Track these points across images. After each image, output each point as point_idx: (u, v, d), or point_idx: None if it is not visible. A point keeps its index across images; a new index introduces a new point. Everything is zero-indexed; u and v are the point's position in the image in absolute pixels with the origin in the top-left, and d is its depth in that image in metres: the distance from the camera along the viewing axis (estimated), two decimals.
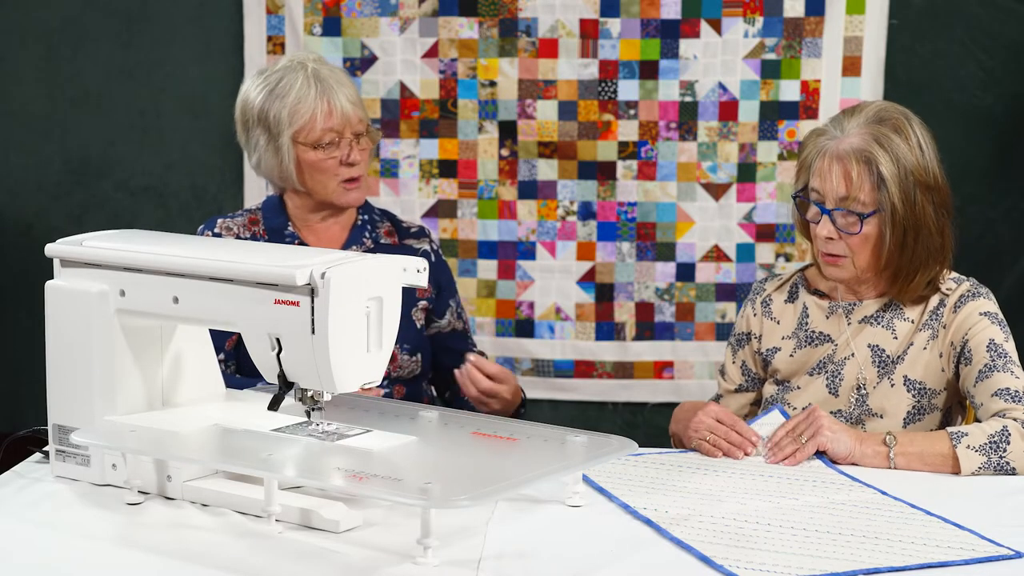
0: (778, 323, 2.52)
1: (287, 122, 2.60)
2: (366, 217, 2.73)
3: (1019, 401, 2.26)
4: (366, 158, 2.65)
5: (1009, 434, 2.20)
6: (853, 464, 2.23)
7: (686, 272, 3.95)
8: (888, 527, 1.90)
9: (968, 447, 2.19)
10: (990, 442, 2.19)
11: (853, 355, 2.43)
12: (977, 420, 2.33)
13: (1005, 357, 2.32)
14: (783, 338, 2.51)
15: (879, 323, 2.43)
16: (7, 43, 4.10)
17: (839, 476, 2.16)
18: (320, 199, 2.65)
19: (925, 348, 2.40)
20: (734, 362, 2.58)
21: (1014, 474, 2.19)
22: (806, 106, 3.84)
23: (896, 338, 2.42)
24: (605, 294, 3.97)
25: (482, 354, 2.79)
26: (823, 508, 1.99)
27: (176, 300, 1.98)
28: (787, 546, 1.81)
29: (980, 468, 2.18)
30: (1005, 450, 2.19)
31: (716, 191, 3.91)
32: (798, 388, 2.47)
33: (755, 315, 2.55)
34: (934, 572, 1.75)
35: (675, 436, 2.49)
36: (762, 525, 1.90)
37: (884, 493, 2.07)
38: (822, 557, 1.77)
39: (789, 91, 3.85)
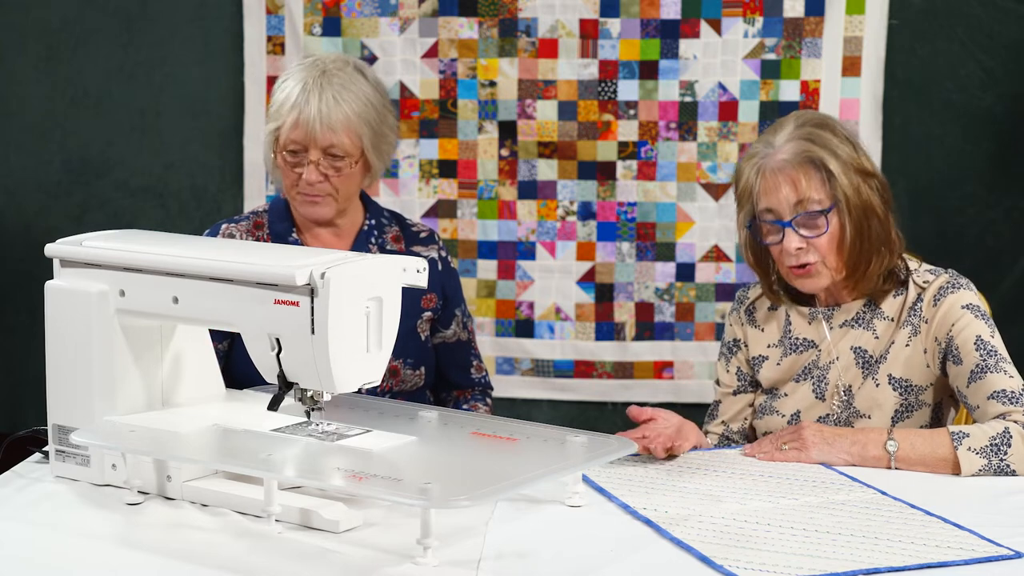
0: (762, 331, 2.52)
1: (272, 117, 2.58)
2: (373, 222, 2.68)
3: (1017, 402, 2.26)
4: (342, 183, 2.54)
5: (1010, 436, 2.20)
6: (853, 466, 2.23)
7: (686, 272, 3.95)
8: (888, 527, 1.90)
9: (969, 449, 2.19)
10: (991, 444, 2.19)
11: (837, 359, 2.43)
12: (974, 421, 2.33)
13: (995, 355, 2.31)
14: (768, 346, 2.51)
15: (859, 325, 2.43)
16: (7, 43, 4.10)
17: (839, 476, 2.16)
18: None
19: (907, 345, 2.39)
20: (728, 370, 2.57)
21: (1014, 476, 2.19)
22: (806, 106, 3.84)
23: (877, 337, 2.41)
24: (605, 294, 3.97)
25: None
26: (823, 508, 1.99)
27: (176, 300, 1.98)
28: (787, 546, 1.81)
29: (981, 470, 2.18)
30: (1006, 453, 2.19)
31: (716, 191, 3.91)
32: (785, 395, 2.47)
33: (741, 324, 2.56)
34: (934, 572, 1.75)
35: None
36: (762, 525, 1.90)
37: (884, 493, 2.07)
38: (822, 557, 1.77)
39: (789, 91, 3.85)
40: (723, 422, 2.56)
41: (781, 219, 2.34)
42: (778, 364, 2.49)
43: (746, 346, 2.55)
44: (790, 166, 2.33)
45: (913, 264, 2.44)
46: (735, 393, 2.57)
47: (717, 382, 2.61)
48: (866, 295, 2.42)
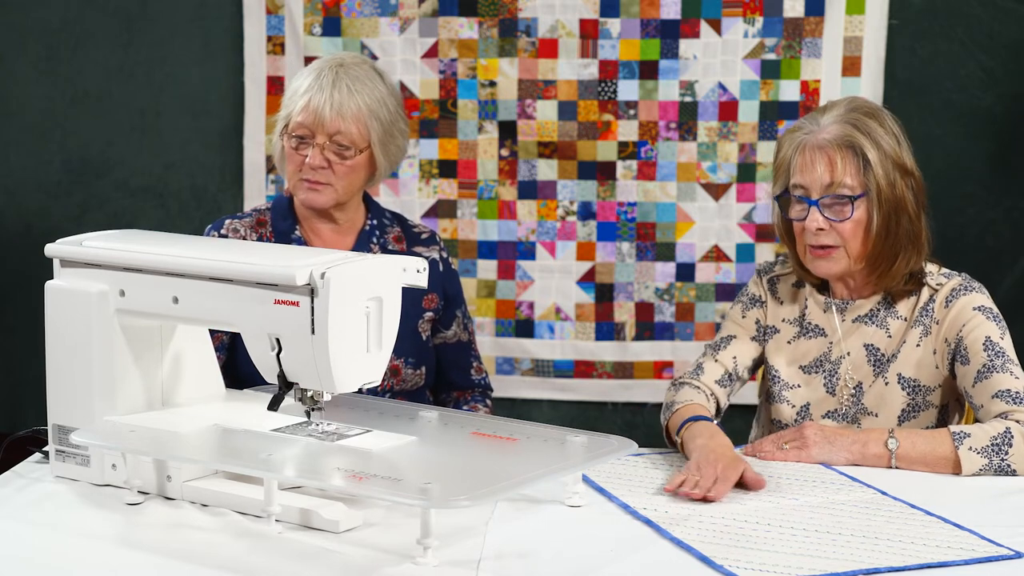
0: (781, 303, 2.52)
1: (284, 105, 2.60)
2: (375, 222, 2.69)
3: (1020, 403, 2.26)
4: (345, 173, 2.56)
5: (1012, 436, 2.20)
6: (854, 465, 2.23)
7: (686, 272, 3.95)
8: (888, 527, 1.90)
9: (970, 448, 2.19)
10: (992, 444, 2.19)
11: (849, 354, 2.43)
12: (977, 420, 2.33)
13: (1003, 356, 2.32)
14: (783, 320, 2.51)
15: (873, 322, 2.43)
16: (7, 43, 4.10)
17: (839, 476, 2.16)
18: (290, 192, 2.64)
19: (918, 345, 2.39)
20: (744, 315, 2.53)
21: (1015, 475, 2.19)
22: (806, 106, 3.84)
23: (890, 336, 2.41)
24: (605, 294, 3.97)
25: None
26: (823, 508, 1.99)
27: (176, 300, 1.98)
28: (787, 546, 1.81)
29: (981, 470, 2.18)
30: (1007, 453, 2.19)
31: (716, 191, 3.91)
32: (797, 386, 2.47)
33: (763, 287, 2.54)
34: (934, 572, 1.75)
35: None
36: (762, 525, 1.90)
37: (884, 493, 2.07)
38: (822, 557, 1.77)
39: (789, 91, 3.85)
40: (735, 357, 2.50)
41: (809, 197, 2.35)
42: (788, 343, 2.49)
43: (765, 308, 2.53)
44: (829, 147, 2.33)
45: (931, 267, 2.44)
46: (752, 339, 2.52)
47: (727, 321, 2.54)
48: (886, 291, 2.42)
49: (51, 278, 2.09)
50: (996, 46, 3.83)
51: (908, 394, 2.39)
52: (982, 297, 2.39)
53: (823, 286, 2.49)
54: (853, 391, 2.42)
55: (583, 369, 4.00)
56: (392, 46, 3.91)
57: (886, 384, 2.40)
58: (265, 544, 1.81)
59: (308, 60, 3.81)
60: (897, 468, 2.22)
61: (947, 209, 3.89)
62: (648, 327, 3.97)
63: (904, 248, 2.37)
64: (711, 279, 3.94)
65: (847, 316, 2.45)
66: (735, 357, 2.50)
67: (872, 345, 2.42)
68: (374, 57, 3.89)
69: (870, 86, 3.82)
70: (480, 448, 1.99)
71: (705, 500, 2.02)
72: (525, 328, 4.00)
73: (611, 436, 2.02)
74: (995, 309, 2.38)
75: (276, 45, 3.95)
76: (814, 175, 2.34)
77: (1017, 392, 2.27)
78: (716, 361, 2.49)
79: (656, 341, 3.97)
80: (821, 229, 2.34)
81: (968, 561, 1.77)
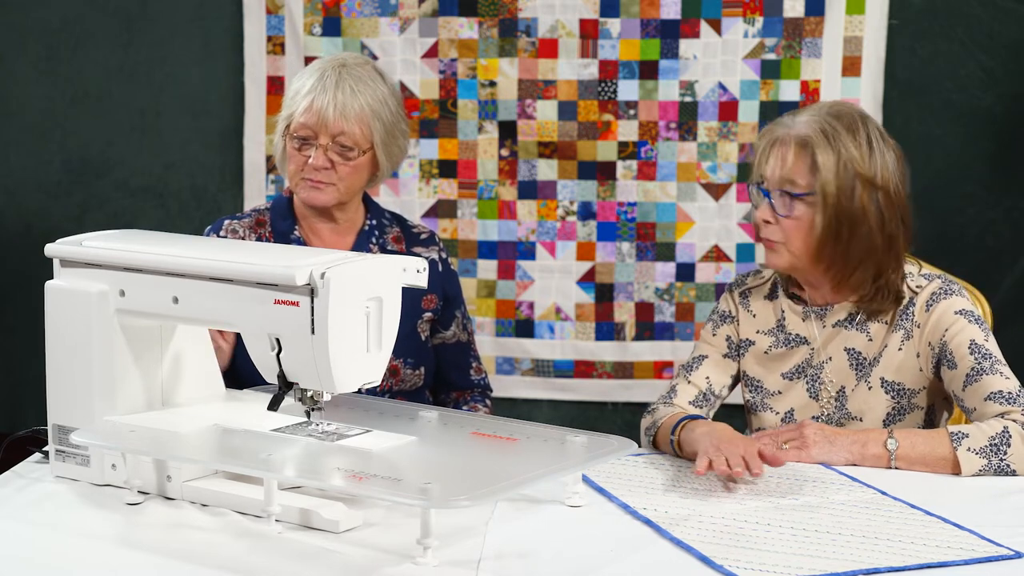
0: (754, 316, 2.51)
1: (286, 105, 2.60)
2: (374, 222, 2.70)
3: (1014, 402, 2.25)
4: (348, 174, 2.56)
5: (1010, 436, 2.20)
6: (854, 465, 2.23)
7: (686, 272, 3.95)
8: (888, 527, 1.90)
9: (969, 449, 2.19)
10: (991, 444, 2.19)
11: (830, 359, 2.43)
12: (971, 423, 2.32)
13: (990, 358, 2.31)
14: (758, 332, 2.50)
15: (852, 326, 2.42)
16: (7, 43, 4.10)
17: (839, 476, 2.16)
18: (289, 191, 2.65)
19: (900, 349, 2.39)
20: (715, 334, 2.53)
21: (1014, 475, 2.19)
22: (806, 107, 3.83)
23: (871, 340, 2.41)
24: (605, 294, 3.97)
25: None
26: (823, 508, 1.99)
27: (176, 300, 1.98)
28: (787, 546, 1.81)
29: (981, 470, 2.18)
30: (1006, 452, 2.19)
31: (716, 191, 3.91)
32: (779, 393, 2.46)
33: (735, 302, 2.54)
34: (934, 572, 1.75)
35: (684, 448, 2.30)
36: (762, 525, 1.90)
37: (884, 493, 2.07)
38: (822, 557, 1.77)
39: (789, 91, 3.85)
40: (708, 377, 2.49)
41: (765, 188, 2.36)
42: (765, 353, 2.48)
43: (737, 323, 2.53)
44: (790, 141, 2.34)
45: (911, 267, 2.43)
46: (724, 356, 2.52)
47: (699, 341, 2.55)
48: (856, 302, 2.41)
49: (51, 278, 2.09)
50: (996, 46, 3.83)
51: (892, 397, 2.39)
52: (962, 300, 2.38)
53: (796, 296, 2.48)
54: (836, 396, 2.42)
55: (583, 369, 4.00)
56: (392, 46, 3.91)
57: (869, 388, 2.40)
58: (265, 544, 1.81)
59: (308, 60, 3.82)
60: (897, 468, 2.22)
61: (947, 209, 3.89)
62: (648, 327, 3.97)
63: (862, 261, 2.34)
64: (711, 279, 3.94)
65: (827, 322, 2.44)
66: (708, 377, 2.49)
67: (853, 349, 2.41)
68: (374, 57, 3.89)
69: (870, 86, 3.83)
70: (480, 448, 2.00)
71: (752, 473, 2.03)
72: (525, 328, 4.00)
73: (611, 436, 2.02)
74: (976, 311, 2.38)
75: (276, 45, 3.95)
76: (770, 167, 2.36)
77: (1010, 392, 2.27)
78: (689, 383, 2.48)
79: (656, 341, 3.97)
80: (768, 222, 2.35)
81: (968, 561, 1.77)
